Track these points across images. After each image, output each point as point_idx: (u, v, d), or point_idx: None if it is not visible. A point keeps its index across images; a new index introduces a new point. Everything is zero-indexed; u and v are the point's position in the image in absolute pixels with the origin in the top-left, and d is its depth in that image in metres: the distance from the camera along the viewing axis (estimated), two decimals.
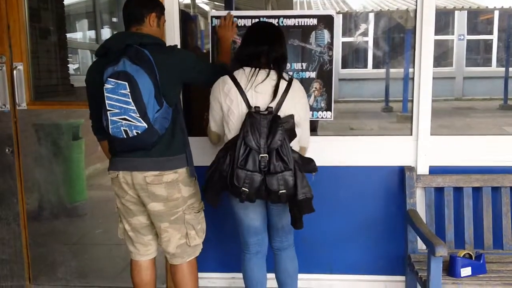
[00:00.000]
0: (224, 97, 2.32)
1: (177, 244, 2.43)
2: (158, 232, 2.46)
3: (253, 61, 2.32)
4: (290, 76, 2.38)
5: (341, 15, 10.97)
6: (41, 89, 3.34)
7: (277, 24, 2.79)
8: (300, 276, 2.63)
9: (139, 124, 2.14)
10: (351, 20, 12.58)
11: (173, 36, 2.88)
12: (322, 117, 2.93)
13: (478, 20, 13.73)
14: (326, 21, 2.84)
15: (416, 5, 2.86)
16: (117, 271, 3.22)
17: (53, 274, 3.27)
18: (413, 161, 2.95)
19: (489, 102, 11.90)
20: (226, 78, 2.34)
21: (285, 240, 2.54)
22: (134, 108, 2.12)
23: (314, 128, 2.94)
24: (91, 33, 6.70)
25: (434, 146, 2.93)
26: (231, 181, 2.20)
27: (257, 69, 2.31)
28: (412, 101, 2.97)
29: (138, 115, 2.13)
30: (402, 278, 3.02)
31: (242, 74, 2.32)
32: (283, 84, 2.30)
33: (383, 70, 11.76)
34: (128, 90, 2.10)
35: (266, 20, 2.80)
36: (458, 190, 2.88)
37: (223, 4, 3.48)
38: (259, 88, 2.28)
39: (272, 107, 2.26)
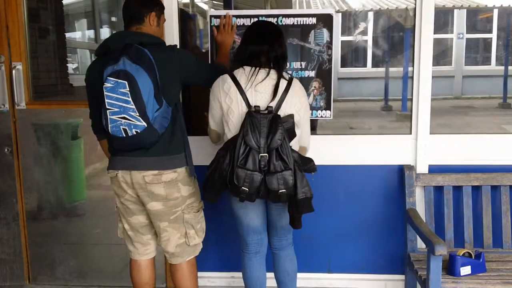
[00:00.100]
0: (224, 96, 2.32)
1: (176, 243, 2.43)
2: (157, 232, 2.45)
3: (253, 60, 2.32)
4: (290, 76, 2.38)
5: (340, 14, 10.96)
6: (40, 88, 3.33)
7: (276, 23, 2.79)
8: (299, 275, 2.63)
9: (138, 123, 2.14)
10: (350, 19, 12.57)
11: (172, 35, 2.88)
12: (321, 116, 2.93)
13: (477, 18, 13.74)
14: (325, 20, 2.84)
15: (416, 4, 2.86)
16: (117, 270, 3.22)
17: (52, 274, 3.27)
18: (413, 160, 2.95)
19: (488, 101, 11.91)
20: (226, 77, 2.33)
21: (284, 239, 2.54)
22: (134, 107, 2.12)
23: (313, 127, 2.94)
24: (90, 33, 6.68)
25: (434, 145, 2.93)
26: (231, 180, 2.20)
27: (257, 68, 2.30)
28: (411, 100, 2.97)
29: (138, 114, 2.13)
30: (402, 277, 3.02)
31: (242, 73, 2.32)
32: (283, 84, 2.30)
33: (382, 69, 11.76)
34: (128, 89, 2.10)
35: (265, 19, 2.80)
36: (457, 189, 2.89)
37: (222, 3, 3.48)
38: (259, 87, 2.28)
39: (272, 107, 2.26)
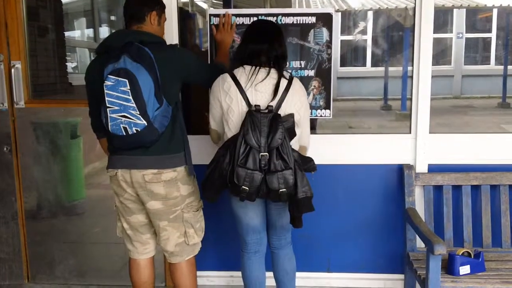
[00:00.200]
0: (224, 95, 2.31)
1: (175, 242, 2.43)
2: (156, 231, 2.45)
3: (253, 60, 2.32)
4: (290, 75, 2.38)
5: (339, 13, 10.95)
6: (39, 87, 3.33)
7: (275, 22, 2.79)
8: (298, 274, 2.63)
9: (138, 121, 2.14)
10: (350, 18, 12.56)
11: (171, 34, 2.87)
12: (320, 116, 2.93)
13: (476, 18, 13.72)
14: (325, 19, 2.84)
15: (415, 3, 2.85)
16: (116, 269, 3.22)
17: (51, 273, 3.27)
18: (412, 159, 2.95)
19: (487, 100, 11.89)
20: (226, 76, 2.33)
21: (283, 239, 2.54)
22: (134, 105, 2.12)
23: (313, 126, 2.94)
24: (89, 32, 6.68)
25: (433, 144, 2.93)
26: (231, 179, 2.19)
27: (257, 67, 2.30)
28: (411, 99, 2.97)
29: (138, 113, 2.13)
30: (401, 276, 3.02)
31: (242, 73, 2.31)
32: (283, 83, 2.29)
33: (382, 69, 11.75)
34: (128, 88, 2.10)
35: (265, 18, 2.79)
36: (457, 188, 2.89)
37: (222, 2, 3.47)
38: (259, 87, 2.28)
39: (272, 106, 2.26)
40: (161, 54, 2.22)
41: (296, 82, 2.35)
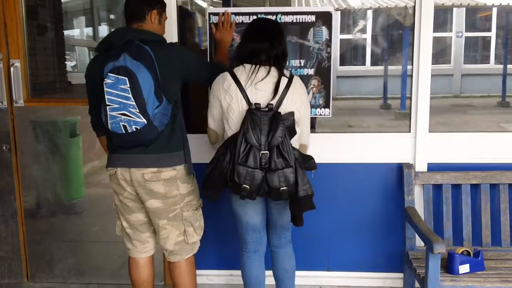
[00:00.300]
0: (223, 94, 2.31)
1: (175, 241, 2.43)
2: (156, 229, 2.45)
3: (253, 58, 2.31)
4: (290, 73, 2.37)
5: (339, 12, 10.94)
6: (38, 86, 3.33)
7: (276, 20, 2.78)
8: (297, 273, 2.63)
9: (138, 119, 2.14)
10: (350, 17, 12.55)
11: (171, 33, 2.87)
12: (320, 114, 2.92)
13: (476, 17, 13.72)
14: (325, 18, 2.83)
15: (415, 2, 2.85)
16: (115, 268, 3.22)
17: (50, 271, 3.27)
18: (412, 158, 2.95)
19: (487, 99, 11.89)
20: (226, 74, 2.33)
21: (283, 237, 2.54)
22: (134, 103, 2.12)
23: (312, 125, 2.94)
24: (89, 30, 6.68)
25: (433, 143, 2.93)
26: (232, 178, 2.19)
27: (257, 66, 2.30)
28: (410, 98, 2.97)
29: (138, 111, 2.13)
30: (400, 275, 3.02)
31: (242, 71, 2.31)
32: (283, 81, 2.29)
33: (381, 67, 11.75)
34: (128, 86, 2.10)
35: (264, 16, 2.79)
36: (456, 187, 2.89)
37: (221, 1, 3.47)
38: (260, 85, 2.27)
39: (272, 104, 2.25)
40: (161, 52, 2.22)
41: (297, 80, 2.35)
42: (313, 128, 3.01)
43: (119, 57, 2.13)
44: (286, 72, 2.34)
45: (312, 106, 2.88)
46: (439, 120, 7.13)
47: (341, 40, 12.74)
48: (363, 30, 13.02)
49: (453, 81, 13.36)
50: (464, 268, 2.54)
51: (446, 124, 8.34)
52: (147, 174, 2.28)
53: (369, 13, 12.54)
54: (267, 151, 2.17)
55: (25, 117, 3.12)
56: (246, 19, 2.81)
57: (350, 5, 10.77)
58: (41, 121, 3.15)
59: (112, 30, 2.48)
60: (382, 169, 2.99)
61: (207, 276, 3.19)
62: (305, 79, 2.86)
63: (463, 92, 13.18)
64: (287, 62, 2.80)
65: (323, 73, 2.88)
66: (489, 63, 13.77)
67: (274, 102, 2.26)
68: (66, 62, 4.23)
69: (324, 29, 2.84)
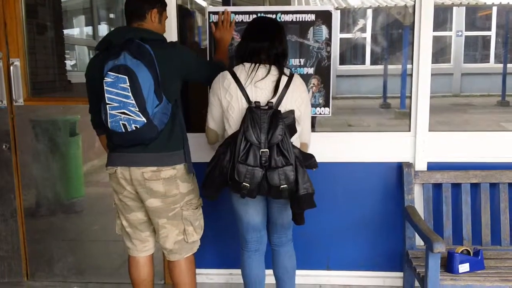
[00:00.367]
0: (223, 93, 2.31)
1: (175, 240, 2.43)
2: (156, 228, 2.45)
3: (253, 57, 2.31)
4: (291, 71, 2.37)
5: (339, 11, 10.94)
6: (38, 85, 3.32)
7: (276, 19, 2.78)
8: (297, 272, 2.62)
9: (138, 118, 2.14)
10: (349, 16, 12.56)
11: (170, 32, 2.86)
12: (320, 113, 2.92)
13: (476, 16, 13.72)
14: (324, 17, 2.83)
15: (415, 1, 2.85)
16: (115, 267, 3.22)
17: (50, 270, 3.27)
18: (411, 157, 2.95)
19: (487, 99, 11.90)
20: (226, 73, 2.33)
21: (284, 236, 2.54)
22: (134, 102, 2.11)
23: (312, 124, 2.92)
24: (88, 29, 6.67)
25: (432, 142, 2.93)
26: (232, 176, 2.19)
27: (257, 64, 2.29)
28: (410, 97, 2.96)
29: (137, 110, 2.13)
30: (400, 274, 3.02)
31: (242, 70, 2.31)
32: (283, 80, 2.29)
33: (381, 67, 11.75)
34: (128, 84, 2.10)
35: (264, 15, 2.79)
36: (456, 186, 2.88)
37: (221, 0, 3.47)
38: (259, 84, 2.27)
39: (272, 102, 2.25)
40: (161, 51, 2.22)
41: (297, 79, 2.34)
42: (313, 127, 3.00)
43: (119, 55, 2.13)
44: (286, 71, 2.34)
45: (312, 105, 2.88)
46: (439, 119, 7.13)
47: (341, 39, 12.75)
48: (363, 29, 13.03)
49: (453, 80, 13.37)
50: (464, 267, 2.54)
51: (446, 123, 8.35)
52: (147, 173, 2.28)
53: (369, 12, 12.55)
54: (267, 149, 2.17)
55: (25, 116, 3.12)
56: (246, 18, 2.81)
57: (350, 4, 10.78)
58: (40, 120, 3.15)
59: (112, 29, 2.47)
60: (382, 168, 2.99)
61: (206, 275, 3.19)
62: (305, 78, 2.85)
63: (463, 91, 13.19)
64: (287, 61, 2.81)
65: (323, 72, 2.88)
66: (489, 62, 13.77)
67: (274, 100, 2.26)
68: (65, 61, 4.23)
69: (324, 28, 2.84)
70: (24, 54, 3.10)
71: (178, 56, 2.29)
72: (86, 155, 3.24)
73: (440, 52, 13.43)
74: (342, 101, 11.22)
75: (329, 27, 2.84)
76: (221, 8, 2.85)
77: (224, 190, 2.33)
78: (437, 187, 2.90)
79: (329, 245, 3.10)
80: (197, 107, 2.96)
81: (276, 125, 2.16)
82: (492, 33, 13.61)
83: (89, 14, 6.50)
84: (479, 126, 8.84)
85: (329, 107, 2.91)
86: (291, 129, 2.27)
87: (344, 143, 3.00)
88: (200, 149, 2.74)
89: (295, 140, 2.34)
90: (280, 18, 2.82)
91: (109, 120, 2.16)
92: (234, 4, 3.30)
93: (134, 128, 2.15)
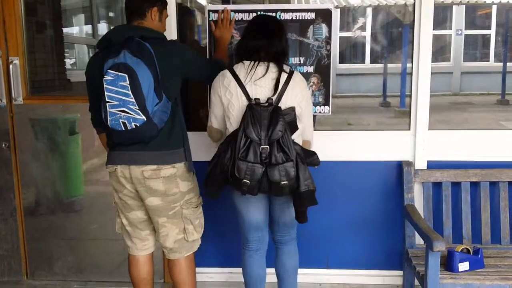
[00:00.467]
0: (223, 91, 2.31)
1: (175, 239, 2.42)
2: (156, 227, 2.45)
3: (252, 55, 2.31)
4: (291, 69, 2.36)
5: (339, 9, 10.93)
6: (37, 83, 3.32)
7: (277, 18, 2.77)
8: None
9: (138, 116, 2.14)
10: (349, 15, 12.55)
11: (170, 30, 2.86)
12: (320, 112, 2.92)
13: (476, 14, 13.71)
14: (324, 15, 2.83)
15: (415, 0, 2.84)
16: (114, 266, 3.22)
17: (50, 269, 3.27)
18: (411, 156, 2.95)
19: (486, 97, 11.89)
20: (226, 72, 2.33)
21: (287, 235, 2.53)
22: (133, 100, 2.11)
23: None
24: (88, 28, 6.66)
25: (432, 141, 2.92)
26: (232, 173, 2.18)
27: (257, 62, 2.29)
28: (410, 96, 2.96)
29: (137, 108, 2.12)
30: (400, 273, 3.02)
31: (241, 68, 2.31)
32: (283, 77, 2.28)
33: (381, 65, 11.74)
34: (128, 82, 2.10)
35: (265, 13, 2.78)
36: (456, 185, 2.88)
37: None
38: (259, 81, 2.27)
39: (272, 99, 2.25)
40: (161, 49, 2.22)
41: (297, 75, 2.34)
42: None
43: (119, 54, 2.13)
44: (286, 68, 2.33)
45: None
46: (438, 118, 7.12)
47: (340, 37, 12.74)
48: (363, 28, 13.02)
49: (452, 79, 13.36)
50: (463, 266, 2.54)
51: (446, 122, 8.34)
52: (147, 171, 2.27)
53: (369, 11, 12.54)
54: (267, 146, 2.16)
55: (24, 115, 3.11)
56: (246, 17, 2.81)
57: (349, 3, 10.78)
58: (40, 119, 3.14)
59: (111, 27, 2.47)
60: (381, 167, 2.99)
61: (206, 273, 3.19)
62: (305, 77, 2.83)
63: (463, 90, 13.18)
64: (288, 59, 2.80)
65: (322, 70, 2.87)
66: (488, 61, 13.75)
67: (274, 97, 2.26)
68: (65, 60, 4.23)
69: (323, 27, 2.84)
70: (24, 53, 3.09)
71: (178, 55, 2.29)
72: (85, 154, 3.23)
73: (440, 50, 13.42)
74: (342, 100, 11.21)
75: (329, 26, 2.83)
76: (220, 7, 2.85)
77: (225, 189, 2.33)
78: (437, 185, 2.90)
79: (329, 243, 3.10)
80: (197, 106, 2.96)
81: (276, 122, 2.16)
82: (492, 31, 13.60)
83: (88, 13, 6.49)
84: (478, 125, 8.84)
85: (329, 105, 2.91)
86: (292, 126, 2.26)
87: (343, 141, 3.00)
88: (200, 147, 2.74)
89: (297, 137, 2.33)
90: (280, 16, 2.82)
91: (109, 118, 2.16)
92: (234, 3, 3.30)
93: (134, 126, 2.15)
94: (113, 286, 3.18)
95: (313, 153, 2.36)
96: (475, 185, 2.89)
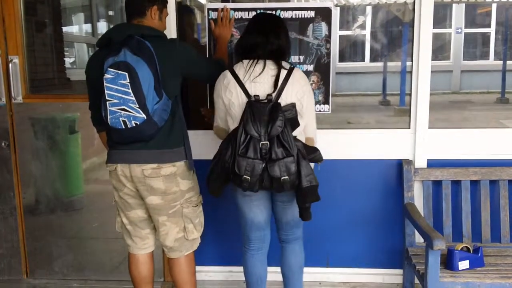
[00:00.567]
0: (224, 90, 2.31)
1: (175, 237, 2.42)
2: (156, 226, 2.45)
3: (250, 53, 2.31)
4: (291, 65, 2.35)
5: (338, 8, 10.92)
6: (37, 82, 3.31)
7: (277, 15, 2.77)
8: None
9: (138, 115, 2.14)
10: (349, 13, 12.53)
11: (169, 29, 2.85)
12: (319, 111, 2.92)
13: (476, 13, 13.70)
14: (324, 14, 2.83)
15: None
16: (114, 264, 3.22)
17: (50, 268, 3.27)
18: (411, 154, 2.95)
19: (486, 96, 11.89)
20: (226, 72, 2.33)
21: (291, 234, 2.53)
22: (134, 98, 2.11)
23: None
24: (87, 27, 6.65)
25: (432, 139, 2.92)
26: (233, 169, 2.18)
27: (255, 60, 2.29)
28: (410, 94, 2.96)
29: (137, 106, 2.12)
30: (400, 271, 3.02)
31: (240, 67, 2.31)
32: (283, 73, 2.28)
33: (380, 64, 11.72)
34: (128, 81, 2.10)
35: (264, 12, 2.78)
36: (456, 183, 2.88)
37: None
38: (258, 79, 2.26)
39: (271, 95, 2.24)
40: (162, 48, 2.22)
41: (297, 72, 2.33)
42: None
43: (119, 52, 2.13)
44: (286, 65, 2.32)
45: None
46: (438, 116, 7.11)
47: (340, 36, 12.71)
48: (363, 26, 12.99)
49: (452, 77, 13.35)
50: (463, 264, 2.54)
51: (446, 121, 8.33)
52: (147, 170, 2.27)
53: (369, 9, 12.51)
54: (267, 142, 2.16)
55: (24, 114, 3.11)
56: (245, 15, 2.81)
57: (349, 1, 10.76)
58: (40, 118, 3.14)
59: (111, 26, 2.47)
60: (381, 165, 2.99)
61: (206, 272, 3.19)
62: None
63: (463, 88, 13.17)
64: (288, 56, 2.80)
65: (322, 69, 2.87)
66: (488, 59, 13.75)
67: (273, 94, 2.25)
68: (64, 59, 4.22)
69: (323, 25, 2.84)
70: (23, 52, 3.09)
71: (178, 53, 2.29)
72: (85, 153, 3.23)
73: (440, 49, 13.42)
74: (341, 98, 11.20)
75: (329, 24, 2.83)
76: (220, 5, 2.84)
77: (227, 188, 2.33)
78: (437, 184, 2.90)
79: (329, 242, 3.10)
80: (197, 104, 2.96)
81: (276, 117, 2.15)
82: (492, 30, 13.59)
83: (88, 12, 6.48)
84: (478, 123, 8.83)
85: (328, 104, 2.91)
86: (293, 123, 2.25)
87: (343, 140, 2.99)
88: (201, 146, 2.74)
89: (299, 134, 2.32)
90: (279, 14, 2.82)
91: (109, 117, 2.16)
92: (233, 1, 3.29)
93: (134, 125, 2.15)
94: (113, 285, 3.18)
95: (315, 150, 2.34)
96: (475, 184, 2.89)
